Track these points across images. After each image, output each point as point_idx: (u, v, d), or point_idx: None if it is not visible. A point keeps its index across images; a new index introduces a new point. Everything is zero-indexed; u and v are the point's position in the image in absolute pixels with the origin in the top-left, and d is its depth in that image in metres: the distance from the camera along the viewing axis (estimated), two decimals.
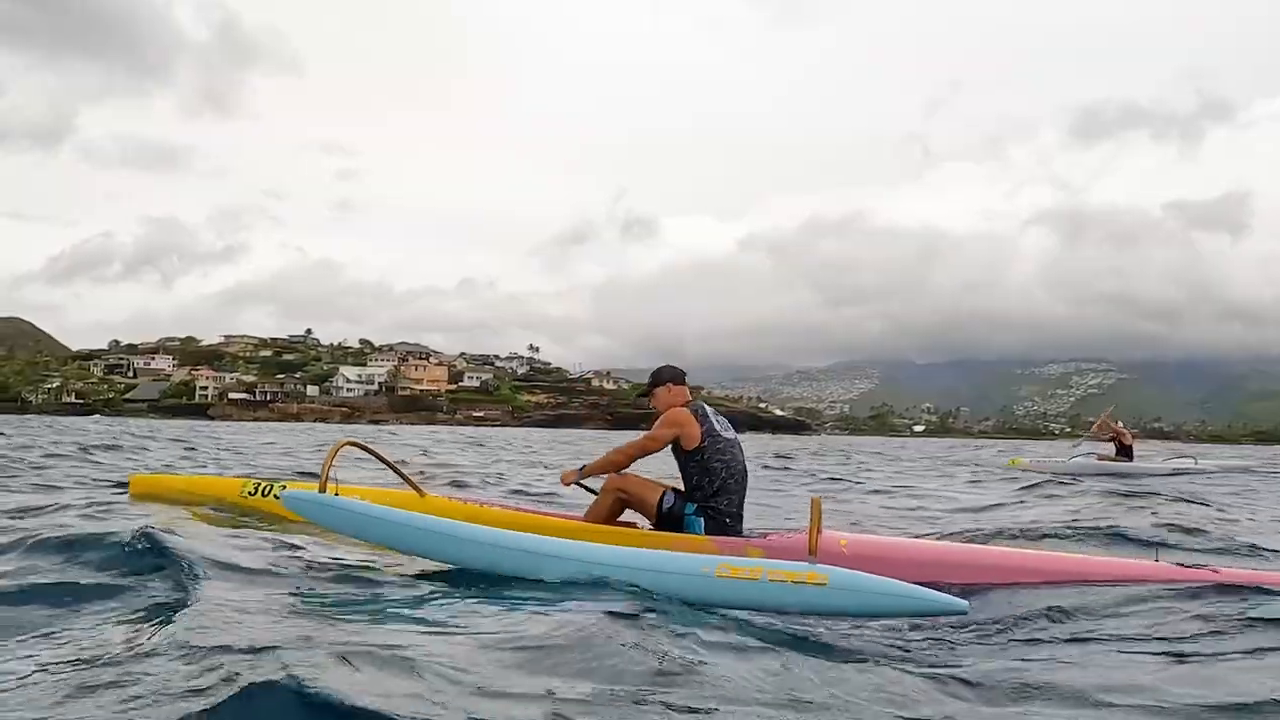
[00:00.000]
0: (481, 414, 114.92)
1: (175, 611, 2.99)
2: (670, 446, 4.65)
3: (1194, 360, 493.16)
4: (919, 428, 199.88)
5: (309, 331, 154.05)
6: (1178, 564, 4.36)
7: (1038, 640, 3.36)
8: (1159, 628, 3.43)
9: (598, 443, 36.49)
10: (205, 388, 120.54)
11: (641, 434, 4.76)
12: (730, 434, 4.66)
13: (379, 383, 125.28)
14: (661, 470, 4.97)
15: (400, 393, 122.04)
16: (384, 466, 4.94)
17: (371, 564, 4.15)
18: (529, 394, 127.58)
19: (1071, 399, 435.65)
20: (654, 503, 4.54)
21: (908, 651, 3.13)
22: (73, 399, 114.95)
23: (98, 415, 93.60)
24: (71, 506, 5.62)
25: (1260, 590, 3.85)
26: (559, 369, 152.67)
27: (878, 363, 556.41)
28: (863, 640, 3.20)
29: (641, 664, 2.65)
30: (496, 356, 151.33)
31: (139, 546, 3.76)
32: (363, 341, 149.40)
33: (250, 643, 2.54)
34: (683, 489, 4.59)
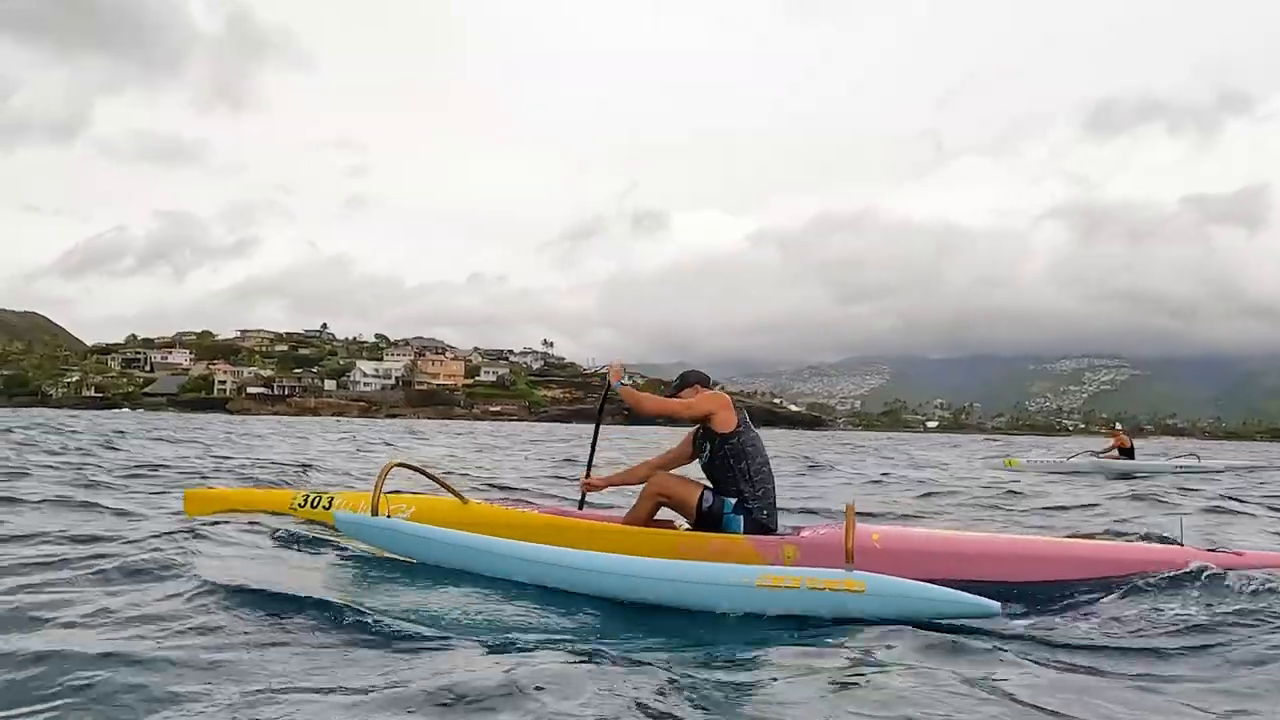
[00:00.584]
0: (498, 409, 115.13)
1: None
2: (700, 442, 4.65)
3: (1209, 357, 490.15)
4: (932, 424, 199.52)
5: (324, 326, 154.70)
6: (1207, 549, 4.44)
7: (1074, 633, 3.44)
8: (1195, 613, 3.55)
9: (616, 438, 36.67)
10: (224, 382, 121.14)
11: (679, 400, 4.74)
12: (756, 430, 4.69)
13: (396, 377, 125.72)
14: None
15: (417, 387, 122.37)
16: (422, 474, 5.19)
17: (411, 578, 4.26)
18: (545, 389, 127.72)
19: (1084, 395, 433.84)
20: (693, 502, 4.50)
21: (945, 650, 3.15)
22: (93, 393, 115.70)
23: (125, 408, 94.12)
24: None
25: None
26: (572, 364, 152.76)
27: (889, 358, 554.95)
28: (899, 639, 3.24)
29: (682, 676, 2.76)
30: (511, 351, 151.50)
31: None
32: (378, 336, 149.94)
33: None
34: (711, 485, 4.57)
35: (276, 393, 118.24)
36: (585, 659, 2.89)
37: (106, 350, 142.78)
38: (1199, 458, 17.52)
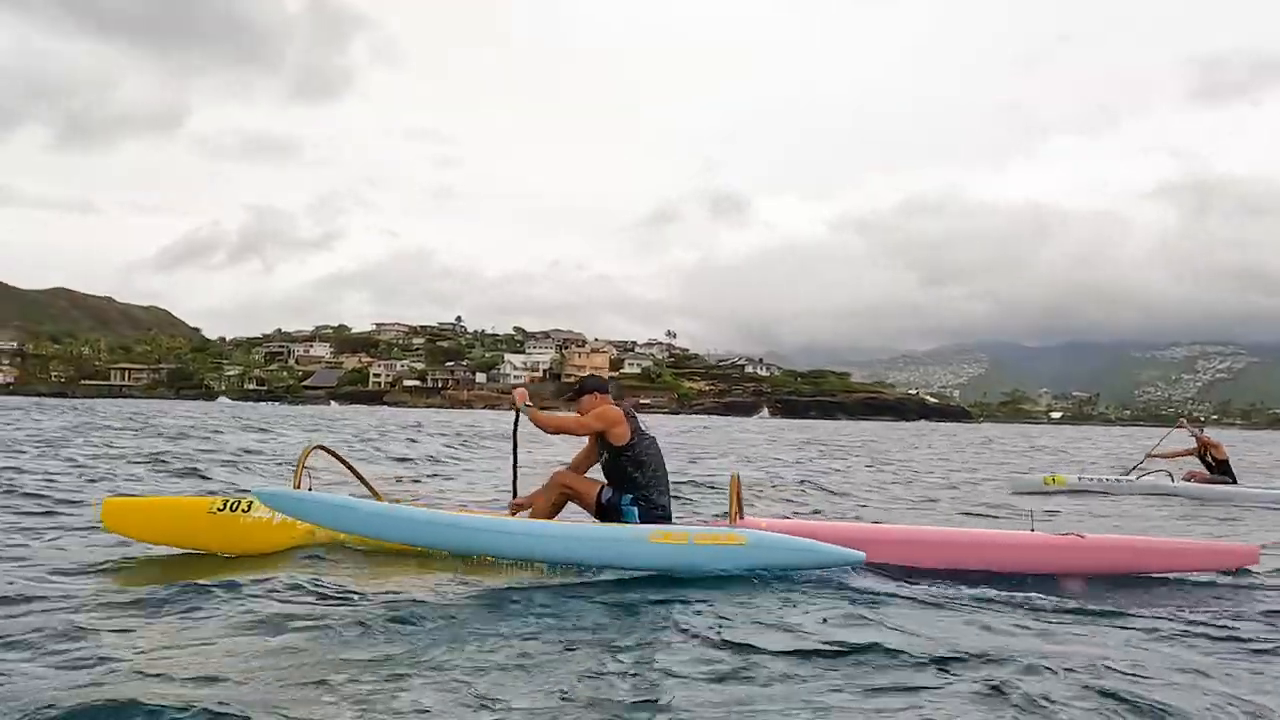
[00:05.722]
0: (648, 401, 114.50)
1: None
2: (599, 448, 5.14)
3: None
4: (1056, 414, 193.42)
5: (459, 319, 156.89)
6: (1056, 534, 5.43)
7: (931, 594, 4.45)
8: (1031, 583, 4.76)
9: (777, 434, 35.92)
10: (379, 375, 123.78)
11: (572, 415, 5.25)
12: (652, 434, 5.19)
13: (544, 370, 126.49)
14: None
15: (566, 379, 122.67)
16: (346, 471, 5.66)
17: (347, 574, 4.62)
18: (689, 381, 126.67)
19: (1198, 384, 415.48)
20: (594, 496, 5.05)
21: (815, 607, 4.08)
22: (254, 386, 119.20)
23: (283, 401, 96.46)
24: None
25: (1115, 549, 5.28)
26: (697, 355, 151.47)
27: (986, 346, 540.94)
28: (781, 601, 4.11)
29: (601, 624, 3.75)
30: (634, 342, 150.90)
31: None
32: (516, 328, 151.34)
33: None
34: (611, 482, 5.10)
35: (430, 385, 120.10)
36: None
37: (251, 344, 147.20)
38: None
